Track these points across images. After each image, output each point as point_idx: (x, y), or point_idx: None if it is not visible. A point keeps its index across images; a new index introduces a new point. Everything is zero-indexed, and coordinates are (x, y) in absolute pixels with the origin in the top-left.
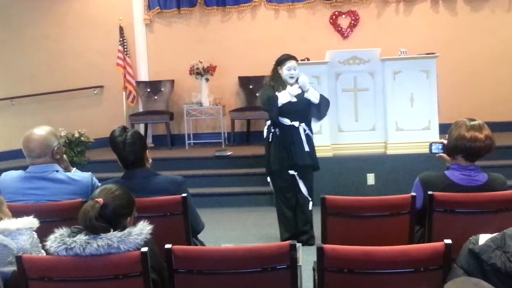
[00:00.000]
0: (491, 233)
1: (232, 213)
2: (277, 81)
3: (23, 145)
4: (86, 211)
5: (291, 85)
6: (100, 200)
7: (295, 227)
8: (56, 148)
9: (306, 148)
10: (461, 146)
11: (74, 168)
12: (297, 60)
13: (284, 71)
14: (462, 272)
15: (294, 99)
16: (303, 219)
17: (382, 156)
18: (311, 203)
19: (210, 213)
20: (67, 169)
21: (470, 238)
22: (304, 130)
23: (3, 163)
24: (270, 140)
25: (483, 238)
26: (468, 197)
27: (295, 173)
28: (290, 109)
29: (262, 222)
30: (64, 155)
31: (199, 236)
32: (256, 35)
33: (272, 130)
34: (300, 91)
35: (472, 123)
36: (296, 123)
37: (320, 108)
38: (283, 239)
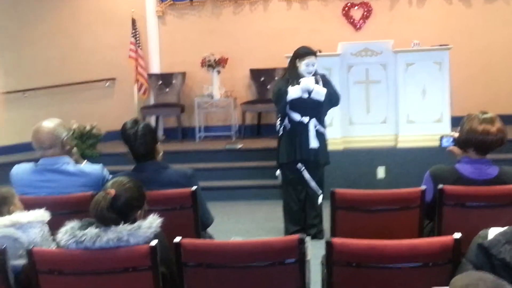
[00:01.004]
0: (502, 227)
1: (242, 207)
2: (293, 74)
3: (33, 137)
4: (98, 201)
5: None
6: (112, 191)
7: (302, 221)
8: (65, 138)
9: (312, 145)
10: (473, 139)
11: (85, 161)
12: (316, 55)
13: (302, 66)
14: (472, 267)
15: (306, 95)
16: (312, 213)
17: (393, 149)
18: (321, 197)
19: (220, 206)
20: (77, 162)
21: (480, 232)
22: (315, 126)
23: (15, 155)
24: (281, 133)
25: (493, 232)
26: (478, 190)
27: (302, 167)
28: (301, 105)
29: (272, 216)
30: (75, 148)
31: (209, 229)
32: (268, 27)
33: (284, 124)
34: (313, 85)
35: (484, 116)
36: (305, 119)
37: (327, 104)
38: (288, 233)
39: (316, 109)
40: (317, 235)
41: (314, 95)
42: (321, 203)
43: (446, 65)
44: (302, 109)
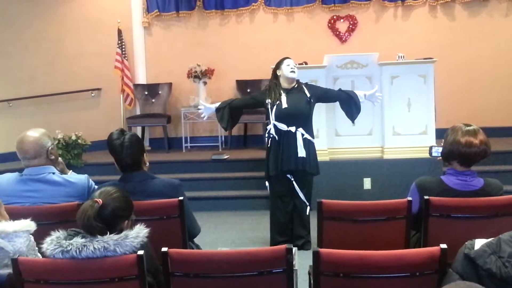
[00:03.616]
0: (487, 238)
1: (228, 217)
2: (274, 86)
3: (17, 147)
4: (85, 210)
5: (291, 87)
6: (100, 200)
7: (289, 232)
8: (50, 148)
9: (300, 154)
10: (456, 151)
11: (70, 171)
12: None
13: (284, 68)
14: (458, 277)
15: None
16: (300, 224)
17: (379, 161)
18: (308, 208)
19: (206, 216)
20: (63, 172)
21: (466, 243)
22: (302, 135)
23: (0, 165)
24: (269, 145)
25: (479, 243)
26: (464, 202)
27: (292, 178)
28: (287, 115)
29: (258, 226)
30: (60, 158)
31: (196, 240)
32: (254, 39)
33: (271, 136)
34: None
35: (468, 128)
36: (292, 129)
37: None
38: (274, 243)
39: (302, 118)
40: (304, 246)
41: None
42: (309, 215)
43: (431, 78)
44: (288, 119)
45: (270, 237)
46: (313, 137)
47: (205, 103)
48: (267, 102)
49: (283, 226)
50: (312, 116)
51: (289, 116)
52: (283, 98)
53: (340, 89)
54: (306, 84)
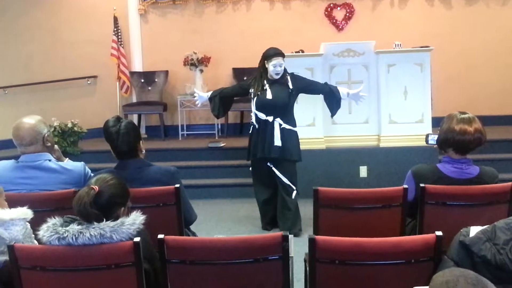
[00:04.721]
0: (482, 226)
1: (224, 205)
2: (260, 76)
3: (13, 134)
4: (81, 197)
5: (274, 79)
6: (96, 187)
7: (269, 215)
8: (46, 135)
9: (276, 143)
10: (451, 139)
11: (67, 158)
12: (283, 56)
13: (270, 67)
14: (453, 264)
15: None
16: (285, 207)
17: (375, 149)
18: (294, 192)
19: (202, 204)
20: (59, 159)
21: (461, 230)
22: (280, 125)
23: None
24: (251, 131)
25: (474, 230)
26: (459, 189)
27: (271, 165)
28: (266, 105)
29: (254, 214)
30: (56, 145)
31: (192, 227)
32: (250, 27)
33: (253, 124)
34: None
35: (463, 116)
36: (270, 118)
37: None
38: (262, 224)
39: (281, 109)
40: (292, 228)
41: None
42: (295, 199)
43: (427, 66)
44: (266, 109)
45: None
46: (294, 126)
47: (199, 91)
48: (251, 91)
49: (265, 210)
50: (292, 107)
51: (267, 106)
52: (268, 89)
53: (325, 83)
54: (292, 75)
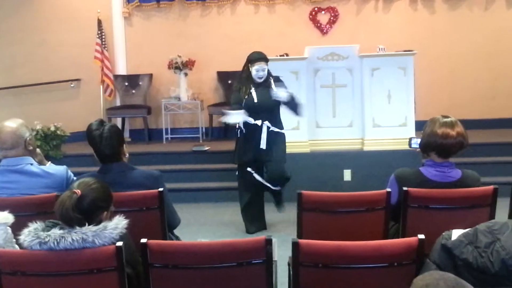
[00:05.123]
0: (464, 229)
1: (209, 208)
2: (245, 79)
3: None
4: (63, 201)
5: (258, 83)
6: (78, 191)
7: (252, 215)
8: (28, 138)
9: (262, 146)
10: (433, 142)
11: (49, 162)
12: (267, 61)
13: (253, 71)
14: (435, 267)
15: (245, 119)
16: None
17: (359, 152)
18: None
19: (187, 208)
20: (41, 163)
21: (443, 233)
22: (268, 128)
23: None
24: (238, 136)
25: (456, 234)
26: (442, 193)
27: (253, 172)
28: (254, 109)
29: (239, 218)
30: (38, 149)
31: (175, 231)
32: (235, 30)
33: (240, 128)
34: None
35: (445, 120)
36: (259, 122)
37: (291, 108)
38: (246, 230)
39: (269, 112)
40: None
41: (274, 96)
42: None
43: (411, 70)
44: (255, 113)
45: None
46: (282, 128)
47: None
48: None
49: (248, 210)
50: (279, 109)
51: (256, 110)
52: (253, 92)
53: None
54: (276, 79)
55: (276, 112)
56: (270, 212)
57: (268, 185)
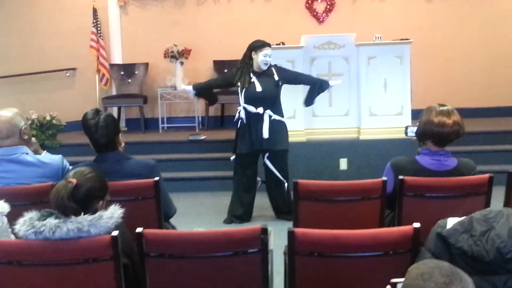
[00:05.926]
0: (459, 217)
1: (205, 198)
2: (245, 68)
3: None
4: (59, 190)
5: (262, 71)
6: (74, 180)
7: (247, 210)
8: (23, 128)
9: (264, 135)
10: (429, 131)
11: (45, 151)
12: (271, 46)
13: (260, 57)
14: (430, 256)
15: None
16: (281, 199)
17: (355, 141)
18: (286, 184)
19: (183, 197)
20: (37, 152)
21: (439, 222)
22: (270, 116)
23: None
24: (238, 125)
25: (451, 222)
26: (437, 181)
27: (265, 159)
28: (255, 98)
29: None
30: (34, 138)
31: (172, 220)
32: (231, 19)
33: (241, 116)
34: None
35: (441, 108)
36: (260, 110)
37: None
38: (232, 216)
39: (270, 100)
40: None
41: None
42: (288, 191)
43: (407, 59)
44: (256, 102)
45: (228, 210)
46: (282, 116)
47: (185, 86)
48: (238, 85)
49: (243, 203)
50: (280, 98)
51: (257, 99)
52: (255, 81)
53: (310, 75)
54: (276, 67)
55: (278, 100)
56: (265, 198)
57: (278, 174)
